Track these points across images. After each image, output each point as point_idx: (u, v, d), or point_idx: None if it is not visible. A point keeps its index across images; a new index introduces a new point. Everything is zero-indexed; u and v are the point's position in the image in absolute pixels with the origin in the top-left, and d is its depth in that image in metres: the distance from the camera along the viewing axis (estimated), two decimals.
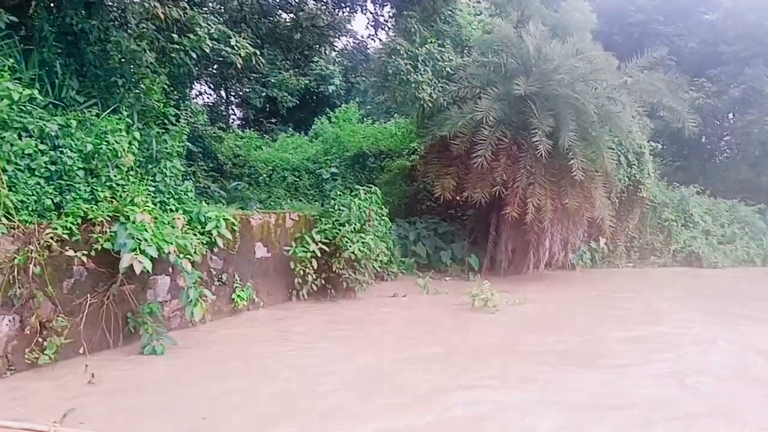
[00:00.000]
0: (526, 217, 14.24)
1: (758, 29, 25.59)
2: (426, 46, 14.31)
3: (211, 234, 9.34)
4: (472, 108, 14.23)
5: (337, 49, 23.90)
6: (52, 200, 7.27)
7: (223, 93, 27.51)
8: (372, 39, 18.00)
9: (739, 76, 25.79)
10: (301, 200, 17.16)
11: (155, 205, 8.56)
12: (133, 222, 7.53)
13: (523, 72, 14.55)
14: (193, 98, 22.34)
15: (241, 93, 26.51)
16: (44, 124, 7.38)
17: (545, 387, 7.09)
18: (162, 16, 9.12)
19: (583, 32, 16.48)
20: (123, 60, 9.73)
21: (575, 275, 17.51)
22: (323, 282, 11.95)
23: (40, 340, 6.91)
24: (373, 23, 16.63)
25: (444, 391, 6.78)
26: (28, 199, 7.00)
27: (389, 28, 16.31)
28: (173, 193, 9.34)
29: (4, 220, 6.65)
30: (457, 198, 15.43)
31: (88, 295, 7.50)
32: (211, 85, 25.66)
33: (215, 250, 9.71)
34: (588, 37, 16.37)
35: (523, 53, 14.83)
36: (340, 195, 12.92)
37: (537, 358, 8.38)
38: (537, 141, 13.50)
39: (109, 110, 8.81)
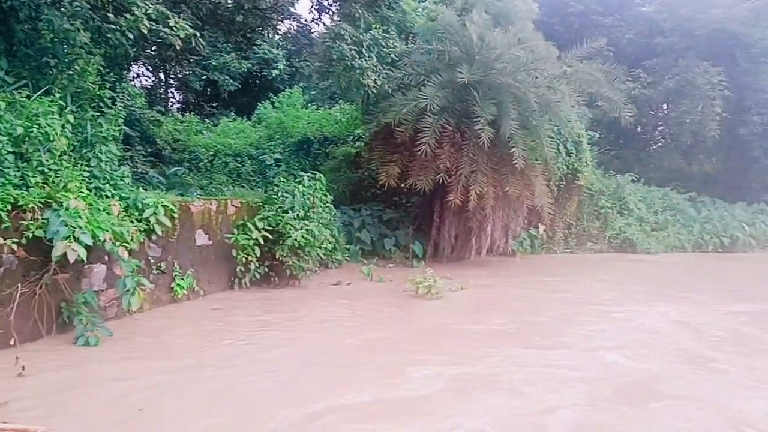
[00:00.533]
0: (468, 205, 14.44)
1: (691, 22, 26.44)
2: (370, 31, 14.21)
3: (149, 221, 9.12)
4: (416, 95, 14.27)
5: (280, 32, 23.43)
6: None
7: (162, 75, 26.77)
8: (316, 23, 17.83)
9: (673, 68, 26.61)
10: (243, 187, 16.85)
11: (90, 191, 8.27)
12: (67, 208, 7.28)
13: (467, 60, 14.65)
14: (131, 80, 21.56)
15: (180, 76, 25.88)
16: None
17: (487, 365, 7.32)
18: None
19: (525, 21, 16.77)
20: (55, 39, 9.35)
21: (515, 261, 17.86)
22: (266, 270, 11.82)
23: None
24: (317, 7, 16.42)
25: (385, 372, 6.91)
26: None
27: (333, 12, 16.15)
28: (109, 178, 9.04)
29: None
30: (402, 185, 15.48)
31: (19, 284, 7.20)
32: (150, 68, 24.90)
33: (153, 237, 9.47)
34: (530, 26, 16.63)
35: (467, 41, 14.92)
36: (283, 181, 12.75)
37: (479, 339, 8.62)
38: (480, 129, 13.65)
39: (40, 92, 8.46)
